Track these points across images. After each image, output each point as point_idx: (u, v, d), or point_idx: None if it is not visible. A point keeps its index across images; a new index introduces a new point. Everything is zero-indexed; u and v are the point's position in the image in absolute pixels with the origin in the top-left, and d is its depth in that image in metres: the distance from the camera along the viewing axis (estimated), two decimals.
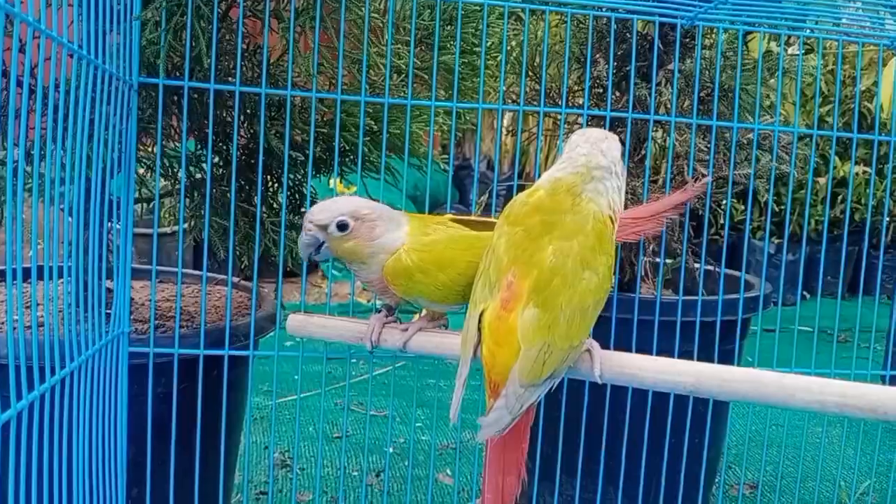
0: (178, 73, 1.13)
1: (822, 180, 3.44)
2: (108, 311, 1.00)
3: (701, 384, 0.87)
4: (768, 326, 2.21)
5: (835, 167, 3.69)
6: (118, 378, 1.03)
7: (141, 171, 1.25)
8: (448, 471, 1.89)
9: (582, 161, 0.90)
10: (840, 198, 3.69)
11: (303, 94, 1.08)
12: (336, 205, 0.96)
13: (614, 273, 1.50)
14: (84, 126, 0.84)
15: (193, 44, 1.02)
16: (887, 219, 3.65)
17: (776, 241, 3.63)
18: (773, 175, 1.15)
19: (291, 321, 1.06)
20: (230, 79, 1.13)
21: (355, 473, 1.87)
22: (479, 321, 0.88)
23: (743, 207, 3.61)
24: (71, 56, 0.83)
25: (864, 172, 3.56)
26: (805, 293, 3.71)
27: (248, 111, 1.19)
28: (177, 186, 1.23)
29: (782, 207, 3.64)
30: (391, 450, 2.02)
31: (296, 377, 2.47)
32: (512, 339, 0.85)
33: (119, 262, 1.02)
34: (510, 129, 2.07)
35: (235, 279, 1.44)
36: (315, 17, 1.04)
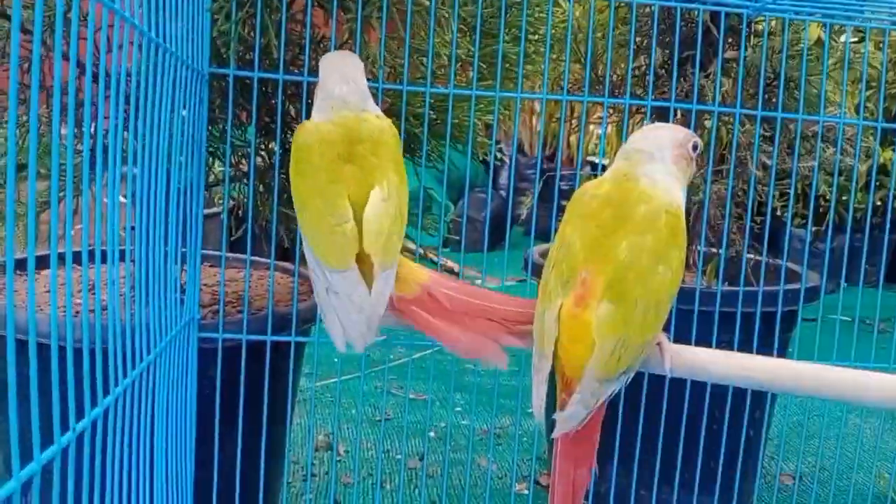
0: (242, 65, 1.14)
1: (862, 167, 3.39)
2: (182, 297, 1.02)
3: (774, 380, 0.87)
4: (809, 316, 2.19)
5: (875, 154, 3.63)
6: (188, 364, 1.05)
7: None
8: (488, 456, 1.91)
9: (630, 148, 0.92)
10: (880, 185, 3.64)
11: (370, 85, 1.09)
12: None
13: None
14: (164, 114, 0.85)
15: (262, 35, 1.03)
16: None
17: (814, 229, 3.60)
18: (836, 167, 1.14)
19: None
20: (294, 69, 1.13)
21: (399, 457, 1.89)
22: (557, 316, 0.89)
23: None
24: (141, 45, 0.84)
25: None
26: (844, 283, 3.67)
27: (310, 101, 1.20)
28: (237, 174, 1.24)
29: (826, 196, 3.60)
30: (433, 434, 2.05)
31: (335, 359, 2.51)
32: (586, 334, 0.86)
33: (190, 248, 1.04)
34: (558, 118, 2.06)
35: (289, 265, 1.46)
36: (381, 7, 1.04)
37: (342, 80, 0.96)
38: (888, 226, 2.85)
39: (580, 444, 0.90)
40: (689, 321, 1.24)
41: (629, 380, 0.88)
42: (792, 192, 1.15)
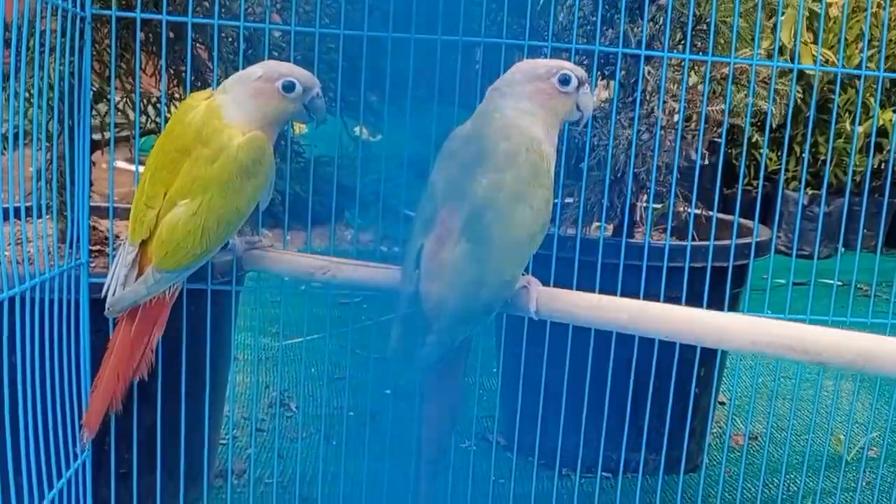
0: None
1: (861, 129, 3.26)
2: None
3: (636, 321, 0.85)
4: (799, 279, 2.13)
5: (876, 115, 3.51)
6: (79, 310, 1.05)
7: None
8: None
9: (491, 86, 0.90)
10: (879, 148, 3.50)
11: (255, 26, 1.07)
12: None
13: (617, 217, 1.46)
14: (44, 62, 0.85)
15: None
16: None
17: (810, 192, 3.48)
18: (749, 110, 1.10)
19: (248, 255, 1.07)
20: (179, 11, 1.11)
21: (351, 413, 1.89)
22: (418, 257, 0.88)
23: (777, 156, 3.48)
24: None
25: None
26: (841, 247, 3.56)
27: (198, 49, 1.19)
28: (149, 126, 1.24)
29: (820, 157, 3.48)
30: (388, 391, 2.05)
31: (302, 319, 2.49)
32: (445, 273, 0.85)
33: (77, 195, 1.04)
34: None
35: None
36: None
37: (240, 80, 0.94)
38: (887, 189, 2.77)
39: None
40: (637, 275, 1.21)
41: (491, 320, 0.87)
42: (723, 140, 1.10)
